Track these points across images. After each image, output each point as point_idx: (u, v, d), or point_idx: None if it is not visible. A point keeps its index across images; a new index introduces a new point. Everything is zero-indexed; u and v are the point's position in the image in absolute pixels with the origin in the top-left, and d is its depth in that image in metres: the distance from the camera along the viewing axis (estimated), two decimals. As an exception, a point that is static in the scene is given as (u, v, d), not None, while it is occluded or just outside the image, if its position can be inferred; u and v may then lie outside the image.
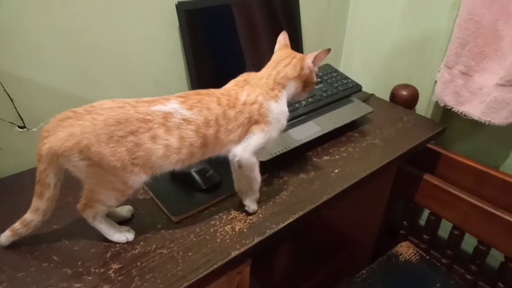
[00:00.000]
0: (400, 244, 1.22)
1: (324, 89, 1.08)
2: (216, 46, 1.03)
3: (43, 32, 0.81)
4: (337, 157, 0.95)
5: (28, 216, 0.64)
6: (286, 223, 0.74)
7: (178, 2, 0.91)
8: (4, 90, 0.80)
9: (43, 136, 0.59)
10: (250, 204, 0.75)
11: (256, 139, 0.68)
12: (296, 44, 1.20)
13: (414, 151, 1.02)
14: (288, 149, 0.90)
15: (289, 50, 0.77)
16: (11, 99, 0.82)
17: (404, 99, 1.21)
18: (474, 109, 1.04)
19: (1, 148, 0.84)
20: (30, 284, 0.60)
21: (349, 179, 0.87)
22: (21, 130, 0.85)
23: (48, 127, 0.59)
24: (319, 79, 1.12)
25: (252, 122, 0.68)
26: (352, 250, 1.44)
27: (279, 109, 0.70)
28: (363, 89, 1.18)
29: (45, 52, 0.82)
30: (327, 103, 1.06)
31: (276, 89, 0.71)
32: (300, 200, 0.80)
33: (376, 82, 1.37)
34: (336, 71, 1.18)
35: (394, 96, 1.23)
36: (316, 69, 0.75)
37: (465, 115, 1.06)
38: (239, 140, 0.68)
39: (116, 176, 0.61)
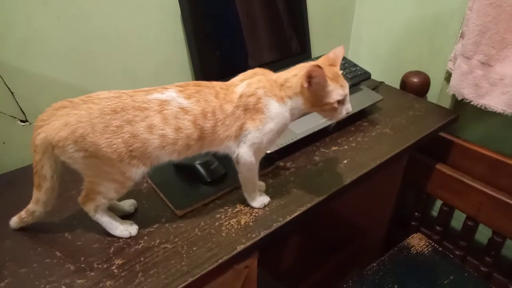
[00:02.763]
0: (411, 236, 1.19)
1: (332, 78, 1.05)
2: (220, 36, 1.00)
3: (41, 21, 0.79)
4: (346, 147, 0.93)
5: (30, 206, 0.65)
6: (293, 216, 0.72)
7: (180, -10, 0.89)
8: (5, 83, 0.79)
9: (38, 126, 0.58)
10: (250, 201, 0.73)
11: (250, 137, 0.65)
12: (302, 32, 1.17)
13: (426, 140, 0.99)
14: (295, 139, 0.87)
15: (315, 62, 0.65)
16: (12, 93, 0.80)
17: (415, 87, 1.17)
18: (495, 101, 0.98)
19: (4, 143, 0.84)
20: (33, 280, 0.59)
21: (359, 170, 0.84)
22: (23, 124, 0.84)
23: (43, 116, 0.58)
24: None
25: (247, 116, 0.64)
26: (362, 241, 1.42)
27: (278, 110, 0.65)
28: (372, 77, 1.14)
29: (45, 43, 0.81)
30: (335, 92, 1.02)
31: (283, 91, 0.66)
32: (308, 192, 0.78)
33: (385, 69, 1.33)
34: (344, 58, 1.15)
35: (404, 84, 1.20)
36: (330, 87, 0.64)
37: (485, 108, 1.01)
38: (237, 136, 0.65)
39: (113, 167, 0.59)
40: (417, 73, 1.18)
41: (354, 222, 1.40)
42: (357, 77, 1.08)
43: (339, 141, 0.95)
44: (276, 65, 1.04)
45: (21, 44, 0.78)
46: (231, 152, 0.67)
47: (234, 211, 0.73)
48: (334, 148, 0.92)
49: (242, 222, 0.70)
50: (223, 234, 0.68)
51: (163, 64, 0.99)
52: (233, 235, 0.68)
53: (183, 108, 0.60)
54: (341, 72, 0.69)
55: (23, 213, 0.66)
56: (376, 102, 1.05)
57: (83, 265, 0.62)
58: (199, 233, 0.68)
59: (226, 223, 0.70)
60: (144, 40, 0.94)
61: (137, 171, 0.61)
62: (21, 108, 0.82)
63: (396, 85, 1.24)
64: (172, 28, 0.97)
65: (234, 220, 0.71)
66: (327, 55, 0.70)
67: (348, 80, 1.05)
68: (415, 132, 0.98)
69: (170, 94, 0.61)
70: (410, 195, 1.35)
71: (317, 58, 1.12)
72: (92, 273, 0.60)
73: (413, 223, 1.32)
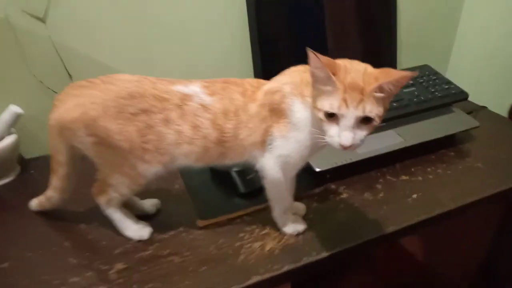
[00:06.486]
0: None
1: (416, 93, 0.88)
2: (288, 41, 0.91)
3: (106, 10, 0.78)
4: (420, 178, 0.75)
5: (48, 192, 0.62)
6: (331, 252, 0.58)
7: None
8: (65, 67, 0.80)
9: (54, 105, 0.54)
10: (280, 225, 0.62)
11: (276, 146, 0.53)
12: (388, 41, 1.01)
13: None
14: (354, 160, 0.73)
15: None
16: (70, 76, 0.81)
17: (528, 116, 0.93)
18: None
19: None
20: (33, 266, 0.56)
21: (431, 209, 0.67)
22: (77, 108, 0.84)
23: (60, 96, 0.55)
24: (410, 82, 0.91)
25: (273, 118, 0.53)
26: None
27: (302, 114, 0.51)
28: (472, 99, 0.93)
29: (107, 31, 0.81)
30: (417, 111, 0.85)
31: (306, 90, 0.51)
32: (358, 225, 0.64)
33: (491, 92, 1.09)
34: (435, 73, 0.96)
35: (514, 112, 0.96)
36: (325, 88, 0.46)
37: None
38: (263, 143, 0.54)
39: (124, 158, 0.54)
40: (534, 99, 0.94)
41: (426, 268, 1.17)
42: (449, 96, 0.89)
43: (412, 169, 0.78)
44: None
45: (84, 31, 0.79)
46: (257, 163, 0.56)
47: (261, 233, 0.62)
48: (403, 177, 0.75)
49: (267, 248, 0.59)
50: (241, 257, 0.57)
51: (223, 62, 0.93)
52: (252, 261, 0.57)
53: (204, 105, 0.53)
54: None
55: (42, 198, 0.64)
56: (469, 128, 0.84)
57: (84, 262, 0.57)
58: (214, 251, 0.59)
59: (248, 245, 0.59)
60: (207, 36, 0.89)
61: (150, 169, 0.55)
62: (76, 92, 0.83)
63: (504, 112, 1.00)
64: (236, 26, 0.90)
65: (259, 243, 0.60)
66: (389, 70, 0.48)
67: (436, 98, 0.88)
68: (518, 172, 0.76)
69: (194, 88, 0.54)
70: (509, 247, 1.08)
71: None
72: (89, 273, 0.55)
73: None
